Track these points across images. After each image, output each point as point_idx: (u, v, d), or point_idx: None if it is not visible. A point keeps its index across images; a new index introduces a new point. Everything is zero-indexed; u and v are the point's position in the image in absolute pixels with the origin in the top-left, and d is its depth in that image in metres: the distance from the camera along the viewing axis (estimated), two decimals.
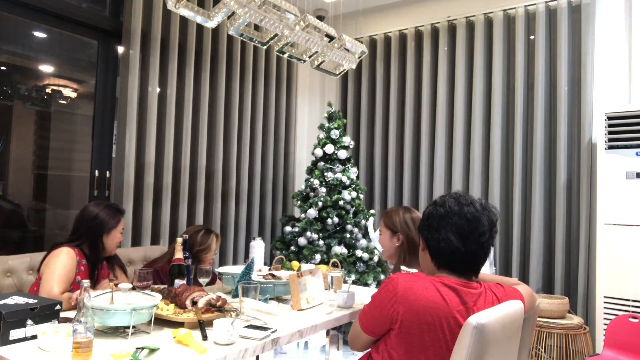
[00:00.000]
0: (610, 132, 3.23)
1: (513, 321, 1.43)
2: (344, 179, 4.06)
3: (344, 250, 3.87)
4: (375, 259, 3.92)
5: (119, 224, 2.38)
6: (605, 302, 3.18)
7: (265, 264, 3.01)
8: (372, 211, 4.03)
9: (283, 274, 2.36)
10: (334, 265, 2.85)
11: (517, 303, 1.51)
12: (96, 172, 3.42)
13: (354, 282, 3.67)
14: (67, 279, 2.19)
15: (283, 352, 3.70)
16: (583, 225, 3.53)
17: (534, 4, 3.80)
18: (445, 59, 4.21)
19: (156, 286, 2.17)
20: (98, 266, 2.35)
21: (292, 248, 4.08)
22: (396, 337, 1.49)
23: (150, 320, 1.69)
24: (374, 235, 3.08)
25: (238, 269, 2.49)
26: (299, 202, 4.22)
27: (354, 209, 4.03)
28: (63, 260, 2.21)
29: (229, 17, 2.46)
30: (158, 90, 3.58)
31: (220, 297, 1.86)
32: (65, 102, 3.48)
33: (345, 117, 4.77)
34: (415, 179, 4.36)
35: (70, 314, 1.68)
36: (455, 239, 1.53)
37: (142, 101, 3.47)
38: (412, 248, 2.20)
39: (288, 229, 4.23)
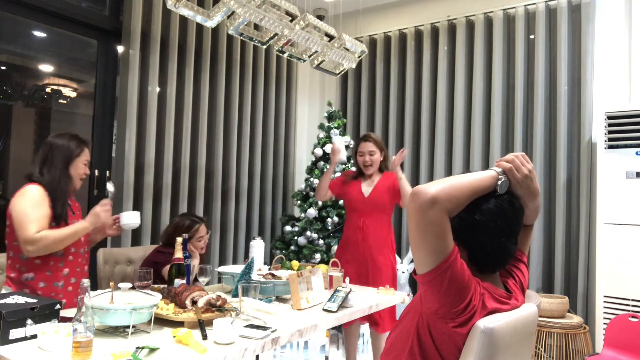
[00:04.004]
0: (610, 132, 3.23)
1: (525, 326, 1.33)
2: None
3: None
4: None
5: (83, 153, 2.25)
6: (605, 302, 3.18)
7: (265, 263, 3.01)
8: None
9: (283, 273, 2.36)
10: (334, 264, 2.85)
11: (530, 307, 1.40)
12: (96, 171, 3.42)
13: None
14: (42, 216, 2.05)
15: (283, 352, 3.70)
16: (583, 225, 3.53)
17: (534, 4, 3.80)
18: (445, 58, 4.21)
19: (156, 285, 2.17)
20: (66, 202, 2.17)
21: (292, 247, 4.08)
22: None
23: (150, 319, 1.69)
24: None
25: (238, 268, 2.49)
26: (298, 202, 4.22)
27: None
28: (30, 199, 2.05)
29: (228, 17, 2.46)
30: (158, 89, 3.58)
31: (220, 296, 1.86)
32: (65, 102, 3.48)
33: (345, 117, 4.76)
34: (415, 179, 4.36)
35: (70, 313, 1.68)
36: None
37: (141, 101, 3.47)
38: None
39: (288, 228, 4.23)
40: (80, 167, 2.25)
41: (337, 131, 4.13)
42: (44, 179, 2.13)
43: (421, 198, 1.13)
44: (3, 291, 2.12)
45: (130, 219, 2.33)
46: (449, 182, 1.18)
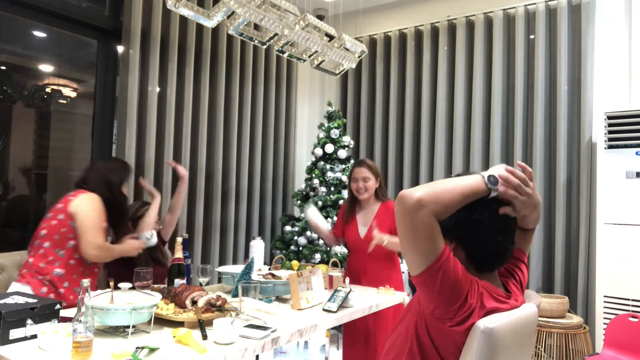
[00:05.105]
0: (610, 132, 3.23)
1: (525, 326, 1.33)
2: (344, 178, 4.06)
3: (344, 250, 3.87)
4: None
5: (130, 175, 2.52)
6: (605, 302, 3.18)
7: (265, 263, 3.01)
8: None
9: (283, 273, 2.36)
10: (334, 264, 2.85)
11: (530, 307, 1.39)
12: None
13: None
14: (105, 227, 2.26)
15: (283, 352, 3.70)
16: (583, 225, 3.53)
17: (534, 4, 3.80)
18: (445, 58, 4.21)
19: (156, 285, 2.18)
20: (127, 218, 2.45)
21: (292, 247, 4.08)
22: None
23: (150, 319, 1.69)
24: None
25: (238, 268, 2.49)
26: (299, 202, 4.22)
27: None
28: (98, 208, 2.24)
29: (228, 17, 2.46)
30: (158, 89, 3.58)
31: (220, 296, 1.86)
32: (65, 102, 3.47)
33: (345, 117, 4.76)
34: (415, 179, 4.36)
35: (70, 313, 1.68)
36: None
37: (142, 101, 3.47)
38: None
39: (288, 228, 4.23)
40: (125, 189, 2.46)
41: (337, 131, 4.12)
42: (101, 193, 2.30)
43: (407, 202, 1.15)
44: (14, 286, 2.15)
45: (153, 240, 2.58)
46: (433, 185, 1.20)
